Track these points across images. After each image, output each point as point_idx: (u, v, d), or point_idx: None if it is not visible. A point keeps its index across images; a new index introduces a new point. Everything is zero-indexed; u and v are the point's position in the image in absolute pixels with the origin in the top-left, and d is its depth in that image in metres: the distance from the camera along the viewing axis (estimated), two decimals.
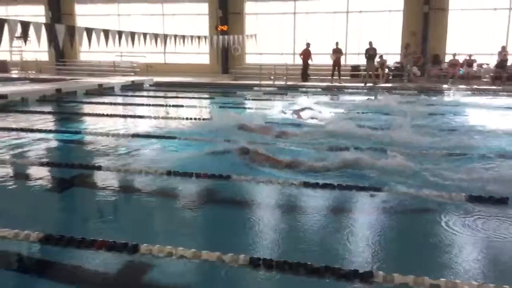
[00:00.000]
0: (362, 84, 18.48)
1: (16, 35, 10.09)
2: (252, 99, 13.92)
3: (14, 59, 23.85)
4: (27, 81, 18.68)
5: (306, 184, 4.84)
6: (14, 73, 22.67)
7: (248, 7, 22.24)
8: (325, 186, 4.81)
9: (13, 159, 6.06)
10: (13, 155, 6.34)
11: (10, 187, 5.19)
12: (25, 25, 10.01)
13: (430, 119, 9.83)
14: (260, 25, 21.96)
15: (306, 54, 19.78)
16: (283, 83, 18.90)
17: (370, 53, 18.65)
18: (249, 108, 12.26)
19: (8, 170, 5.74)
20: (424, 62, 19.62)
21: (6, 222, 3.72)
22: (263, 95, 15.22)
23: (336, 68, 19.34)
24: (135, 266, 3.20)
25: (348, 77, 20.07)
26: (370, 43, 18.62)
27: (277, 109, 11.27)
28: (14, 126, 8.63)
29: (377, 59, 19.08)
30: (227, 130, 7.65)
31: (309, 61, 19.81)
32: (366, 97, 14.51)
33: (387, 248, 3.59)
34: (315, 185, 4.83)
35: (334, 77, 19.31)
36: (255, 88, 17.69)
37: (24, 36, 10.17)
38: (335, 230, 3.90)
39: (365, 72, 19.24)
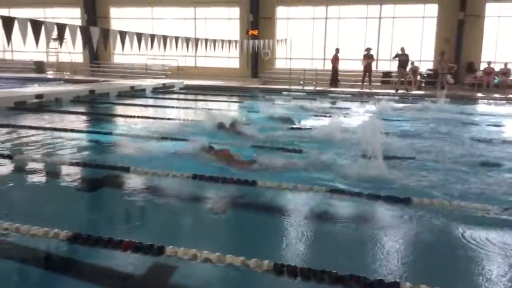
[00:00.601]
0: (393, 91, 18.20)
1: (53, 37, 10.39)
2: (278, 104, 13.84)
3: (50, 60, 24.57)
4: (62, 82, 19.22)
5: (332, 191, 4.79)
6: (50, 74, 23.36)
7: (279, 12, 22.28)
8: (351, 194, 4.75)
9: (45, 158, 6.20)
10: (45, 154, 6.50)
11: (42, 186, 5.33)
12: (61, 28, 10.29)
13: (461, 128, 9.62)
14: (290, 30, 21.96)
15: (334, 60, 19.70)
16: (312, 88, 18.81)
17: (402, 59, 18.34)
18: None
19: (40, 169, 5.88)
20: (458, 69, 19.19)
21: (36, 220, 3.81)
22: (291, 100, 15.15)
23: (367, 74, 19.13)
24: (160, 267, 3.22)
25: (379, 84, 19.82)
26: (402, 49, 18.31)
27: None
28: (47, 125, 8.87)
29: (409, 65, 18.76)
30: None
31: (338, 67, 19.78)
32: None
33: (414, 258, 3.51)
34: (340, 192, 4.77)
35: (365, 83, 19.09)
36: (284, 93, 17.66)
37: (60, 38, 10.44)
38: (361, 239, 3.84)
39: (397, 79, 18.95)
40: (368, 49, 19.24)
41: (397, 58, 18.29)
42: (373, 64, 19.66)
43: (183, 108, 12.62)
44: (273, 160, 5.98)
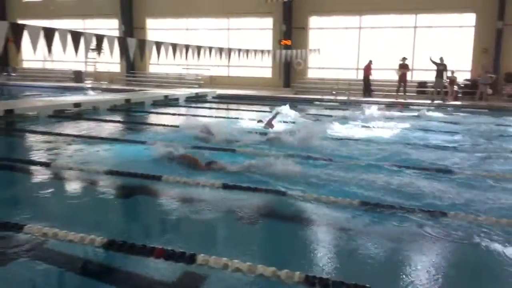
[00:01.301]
0: (429, 101, 17.85)
1: (91, 47, 10.71)
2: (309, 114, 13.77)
3: (89, 70, 25.32)
4: (99, 91, 19.76)
5: (364, 204, 4.72)
6: (88, 83, 24.05)
7: (312, 21, 22.26)
8: (385, 207, 4.68)
9: (81, 166, 6.30)
10: (81, 161, 6.63)
11: (77, 193, 5.47)
12: (100, 38, 10.61)
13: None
14: (323, 39, 21.89)
15: (367, 70, 19.56)
16: (345, 98, 18.66)
17: (440, 68, 17.98)
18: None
19: (77, 176, 6.03)
20: (497, 80, 18.64)
21: (72, 226, 3.91)
22: (324, 110, 15.06)
23: (402, 84, 18.85)
24: (191, 276, 3.25)
25: (414, 94, 19.49)
26: (441, 59, 17.96)
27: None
28: (85, 133, 9.13)
29: (448, 74, 18.36)
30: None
31: (370, 77, 19.64)
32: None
33: (448, 276, 3.41)
34: (374, 206, 4.70)
35: (399, 93, 18.81)
36: (316, 103, 17.58)
37: (98, 48, 10.75)
38: (396, 253, 3.76)
39: (433, 89, 18.59)
40: (403, 59, 18.98)
41: (432, 58, 17.89)
42: (408, 74, 19.37)
43: (214, 117, 12.74)
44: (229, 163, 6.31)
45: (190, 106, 15.75)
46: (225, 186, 5.30)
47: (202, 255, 3.33)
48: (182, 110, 14.76)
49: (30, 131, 9.42)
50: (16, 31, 8.79)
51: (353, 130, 10.19)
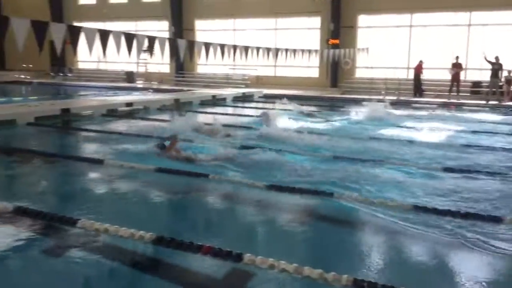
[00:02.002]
0: (484, 102, 17.12)
1: (143, 48, 11.01)
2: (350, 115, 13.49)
3: (140, 71, 26.06)
4: (150, 91, 20.31)
5: (416, 208, 4.58)
6: (139, 83, 24.76)
7: (361, 20, 21.87)
8: (435, 211, 4.52)
9: (132, 164, 6.41)
10: (133, 159, 6.79)
11: (129, 190, 5.64)
12: (152, 40, 10.89)
13: None
14: (372, 38, 21.44)
15: (418, 69, 19.02)
16: (394, 98, 18.19)
17: (495, 68, 17.22)
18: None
19: (128, 173, 6.20)
20: None
21: (123, 222, 4.03)
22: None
23: (455, 83, 18.19)
24: (238, 274, 3.27)
25: (468, 94, 18.75)
26: (497, 58, 17.19)
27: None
28: (136, 132, 9.38)
29: (504, 74, 17.54)
30: None
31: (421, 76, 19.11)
32: None
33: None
34: (423, 209, 4.56)
35: (452, 93, 18.16)
36: (364, 103, 17.23)
37: (150, 49, 11.03)
38: (449, 261, 3.64)
39: (488, 89, 17.82)
40: (456, 58, 18.31)
41: (487, 58, 17.16)
42: (462, 74, 18.67)
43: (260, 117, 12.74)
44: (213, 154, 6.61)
45: (237, 106, 15.88)
46: (270, 187, 5.30)
47: (249, 255, 3.35)
48: (229, 110, 14.92)
49: (85, 129, 9.81)
50: (73, 33, 9.16)
51: (396, 131, 10.01)
